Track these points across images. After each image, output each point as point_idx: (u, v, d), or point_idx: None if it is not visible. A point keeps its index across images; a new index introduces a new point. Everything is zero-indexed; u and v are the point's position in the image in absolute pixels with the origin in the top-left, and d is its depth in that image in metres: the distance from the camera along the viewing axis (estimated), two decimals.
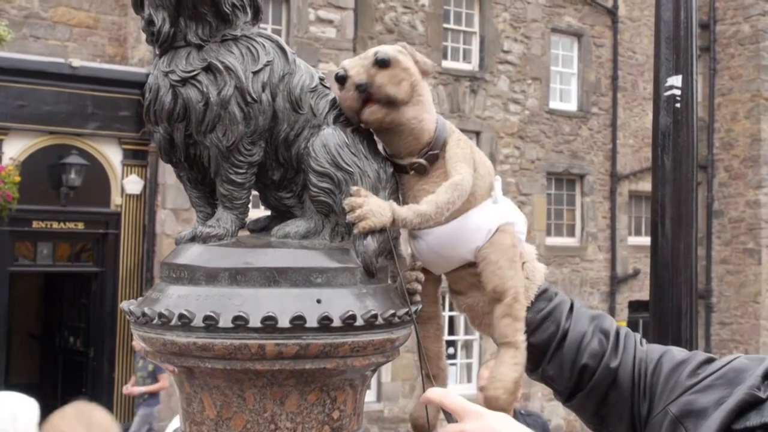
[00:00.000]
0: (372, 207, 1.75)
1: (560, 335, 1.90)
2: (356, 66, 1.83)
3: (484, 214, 1.87)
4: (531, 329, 1.92)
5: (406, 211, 1.77)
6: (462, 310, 1.98)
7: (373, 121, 1.82)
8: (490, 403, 1.79)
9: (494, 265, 1.85)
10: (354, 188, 1.79)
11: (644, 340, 1.97)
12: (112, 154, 14.84)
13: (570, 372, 1.89)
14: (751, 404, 1.63)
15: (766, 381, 1.66)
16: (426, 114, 1.86)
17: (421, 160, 1.86)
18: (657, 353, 1.89)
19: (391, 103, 1.81)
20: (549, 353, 1.92)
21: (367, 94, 1.80)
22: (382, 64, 1.80)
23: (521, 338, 1.85)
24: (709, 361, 1.82)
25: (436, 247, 1.88)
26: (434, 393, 1.67)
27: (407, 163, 1.87)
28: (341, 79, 1.83)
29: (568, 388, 1.91)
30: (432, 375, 1.91)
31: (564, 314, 1.93)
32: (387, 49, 1.83)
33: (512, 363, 1.83)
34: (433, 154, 1.87)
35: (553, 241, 20.06)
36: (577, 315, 1.94)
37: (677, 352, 1.89)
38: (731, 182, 22.20)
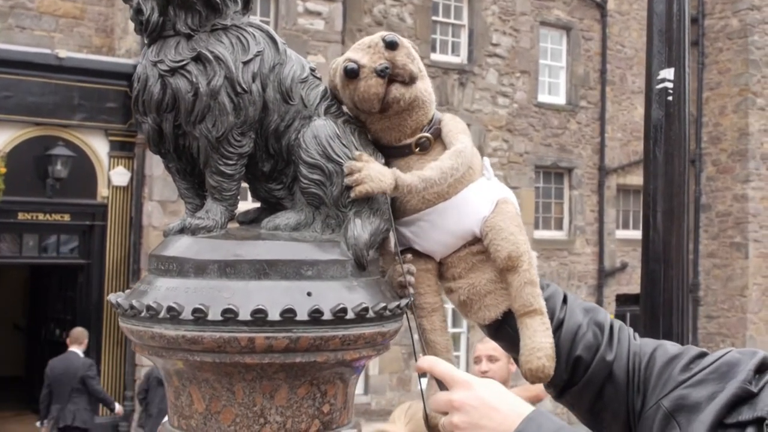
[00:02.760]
0: (371, 172, 1.75)
1: (555, 325, 1.89)
2: (366, 55, 1.81)
3: (485, 187, 1.88)
4: None
5: (411, 177, 1.77)
6: (457, 300, 1.95)
7: (400, 97, 1.81)
8: (537, 374, 1.80)
9: (505, 231, 1.84)
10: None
11: (637, 334, 1.96)
12: (98, 146, 14.76)
13: (565, 363, 1.88)
14: (743, 398, 1.63)
15: (758, 375, 1.65)
16: (430, 86, 1.89)
17: (428, 134, 1.87)
18: (650, 347, 1.89)
19: (412, 79, 1.82)
20: None
21: (390, 76, 1.79)
22: (393, 45, 1.80)
23: (543, 302, 1.85)
24: (702, 355, 1.82)
25: (441, 224, 1.87)
26: (425, 361, 1.66)
27: (413, 141, 1.87)
28: (353, 72, 1.80)
29: (562, 381, 1.90)
30: None
31: (558, 304, 1.92)
32: (388, 33, 1.84)
33: (544, 329, 1.83)
34: (438, 128, 1.88)
35: (541, 234, 20.09)
36: (571, 306, 1.93)
37: (670, 347, 1.88)
38: (719, 176, 22.28)
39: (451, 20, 18.99)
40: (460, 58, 19.01)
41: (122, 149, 14.89)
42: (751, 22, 21.87)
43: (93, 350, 14.77)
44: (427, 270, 1.92)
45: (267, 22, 15.50)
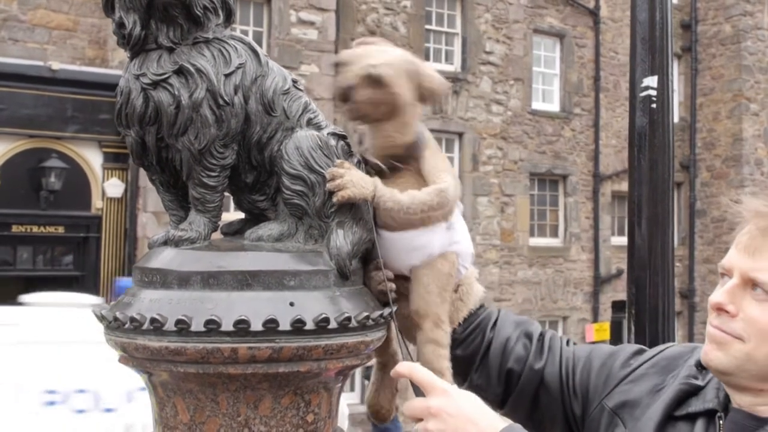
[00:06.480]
0: (353, 178, 1.76)
1: (486, 344, 1.92)
2: (357, 64, 1.82)
3: (433, 236, 1.86)
4: (457, 343, 1.92)
5: (386, 191, 1.78)
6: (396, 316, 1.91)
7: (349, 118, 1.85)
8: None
9: (423, 288, 1.85)
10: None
11: (571, 341, 1.99)
12: (92, 158, 14.72)
13: (497, 379, 1.91)
14: (690, 393, 1.66)
15: (703, 370, 1.68)
16: (396, 134, 1.86)
17: (379, 163, 1.87)
18: (585, 351, 1.92)
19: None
20: (476, 363, 1.93)
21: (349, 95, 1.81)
22: (373, 82, 1.80)
23: (446, 365, 1.84)
24: (640, 351, 1.86)
25: (382, 250, 1.87)
26: (404, 367, 1.67)
27: (369, 160, 1.89)
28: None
29: (498, 395, 1.92)
30: (382, 362, 1.90)
31: (490, 324, 1.95)
32: (386, 68, 1.82)
33: None
34: (394, 165, 1.87)
35: (537, 241, 20.10)
36: (501, 323, 1.96)
37: (606, 347, 1.92)
38: (713, 182, 22.30)
39: (445, 29, 19.03)
40: (454, 67, 19.04)
41: (116, 161, 14.85)
42: (744, 27, 21.93)
43: None
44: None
45: (260, 32, 15.54)
